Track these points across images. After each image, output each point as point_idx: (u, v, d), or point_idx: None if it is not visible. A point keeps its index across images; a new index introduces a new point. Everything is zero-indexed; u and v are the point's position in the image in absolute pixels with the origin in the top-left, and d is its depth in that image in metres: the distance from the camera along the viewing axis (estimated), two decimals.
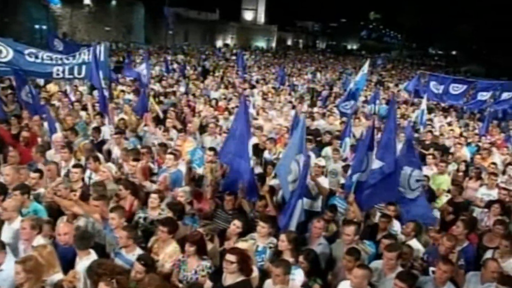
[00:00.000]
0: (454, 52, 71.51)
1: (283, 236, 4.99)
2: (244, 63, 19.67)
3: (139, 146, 7.70)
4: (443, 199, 8.23)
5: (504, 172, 9.74)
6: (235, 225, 5.34)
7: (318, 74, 24.40)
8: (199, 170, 7.10)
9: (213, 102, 12.88)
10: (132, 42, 38.37)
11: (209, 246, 5.14)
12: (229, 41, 58.36)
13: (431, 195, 8.04)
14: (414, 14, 58.74)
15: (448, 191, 8.72)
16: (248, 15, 64.86)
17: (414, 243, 5.75)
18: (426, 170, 9.11)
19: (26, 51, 9.88)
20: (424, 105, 13.45)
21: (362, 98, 15.21)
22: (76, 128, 8.29)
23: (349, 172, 6.37)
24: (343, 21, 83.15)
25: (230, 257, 4.23)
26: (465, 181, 8.87)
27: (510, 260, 5.48)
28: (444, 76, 16.76)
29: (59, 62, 10.83)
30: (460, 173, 9.23)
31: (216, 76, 18.82)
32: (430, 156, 9.33)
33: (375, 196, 5.99)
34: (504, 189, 8.45)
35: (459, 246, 5.83)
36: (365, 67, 13.74)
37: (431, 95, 15.15)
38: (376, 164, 5.92)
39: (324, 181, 7.54)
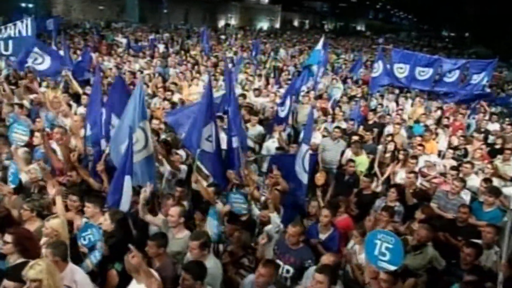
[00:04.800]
0: (466, 34, 68.97)
1: (106, 215, 4.62)
2: (208, 40, 19.15)
3: None
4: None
5: (443, 156, 9.17)
6: (71, 200, 5.00)
7: (282, 51, 23.55)
8: None
9: (158, 80, 12.49)
10: (125, 21, 37.90)
11: (36, 224, 4.79)
12: (231, 21, 57.30)
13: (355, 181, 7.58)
14: None
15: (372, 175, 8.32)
16: None
17: None
18: (348, 152, 8.67)
19: None
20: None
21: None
22: None
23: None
24: (353, 1, 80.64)
25: (6, 237, 3.87)
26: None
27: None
28: (407, 52, 15.69)
29: None
30: (388, 154, 8.64)
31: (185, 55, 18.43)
32: (356, 137, 8.79)
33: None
34: (423, 175, 7.93)
35: (322, 234, 5.41)
36: (320, 44, 13.07)
37: (395, 81, 14.25)
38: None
39: None
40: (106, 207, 4.97)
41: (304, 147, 6.14)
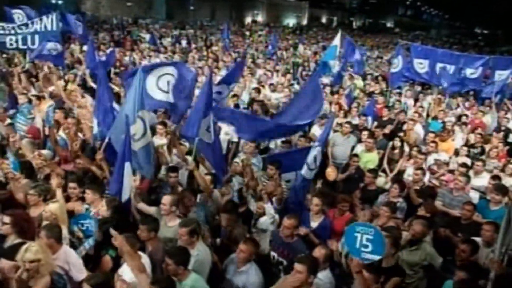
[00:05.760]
0: (499, 32, 66.55)
1: (103, 202, 4.80)
2: (229, 36, 19.31)
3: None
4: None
5: (457, 153, 8.98)
6: (71, 188, 5.18)
7: (301, 47, 23.46)
8: None
9: None
10: (151, 17, 38.57)
11: (42, 208, 4.98)
12: (258, 18, 57.36)
13: (360, 176, 7.52)
14: None
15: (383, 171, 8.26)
16: None
17: None
18: (359, 147, 8.61)
19: None
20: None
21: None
22: None
23: None
24: None
25: (5, 218, 4.09)
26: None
27: None
28: (426, 47, 15.34)
29: (12, 31, 10.96)
30: (396, 151, 8.52)
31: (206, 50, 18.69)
32: (366, 133, 8.69)
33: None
34: (432, 173, 7.80)
35: (314, 222, 5.43)
36: (337, 39, 12.98)
37: (416, 76, 13.97)
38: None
39: None
40: (107, 194, 5.14)
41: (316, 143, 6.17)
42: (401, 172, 8.08)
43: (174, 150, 6.55)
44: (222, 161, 5.99)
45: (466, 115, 11.47)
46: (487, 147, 9.30)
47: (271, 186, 5.60)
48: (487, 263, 4.95)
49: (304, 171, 5.91)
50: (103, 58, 12.95)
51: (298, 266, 3.80)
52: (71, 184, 5.13)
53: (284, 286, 3.91)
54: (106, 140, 5.64)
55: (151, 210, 5.00)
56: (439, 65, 13.83)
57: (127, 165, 4.95)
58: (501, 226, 4.27)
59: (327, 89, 12.09)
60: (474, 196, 7.01)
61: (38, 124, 7.46)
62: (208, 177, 5.60)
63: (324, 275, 4.29)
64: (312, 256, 4.11)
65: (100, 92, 6.42)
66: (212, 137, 5.71)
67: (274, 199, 5.54)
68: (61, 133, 6.84)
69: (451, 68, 13.77)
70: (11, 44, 10.94)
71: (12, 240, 4.12)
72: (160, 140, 7.25)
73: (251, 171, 5.78)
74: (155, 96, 6.45)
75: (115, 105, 6.57)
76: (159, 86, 6.49)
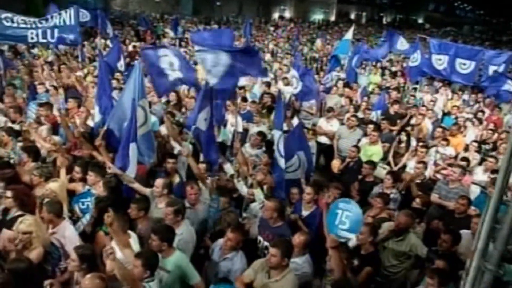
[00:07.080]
0: None
1: (101, 183, 5.10)
2: (250, 31, 19.45)
3: None
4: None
5: (466, 149, 8.90)
6: (75, 171, 5.52)
7: (318, 41, 23.29)
8: None
9: None
10: (179, 13, 39.14)
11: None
12: (285, 14, 57.16)
13: (359, 167, 7.60)
14: None
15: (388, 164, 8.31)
16: None
17: None
18: (364, 140, 8.67)
19: (2, 15, 10.42)
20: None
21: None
22: None
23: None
24: None
25: (7, 192, 4.47)
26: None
27: None
28: (446, 42, 14.96)
29: (33, 26, 11.44)
30: (402, 145, 8.52)
31: None
32: (371, 126, 8.71)
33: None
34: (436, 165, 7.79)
35: (305, 211, 5.56)
36: (349, 34, 12.93)
37: (434, 72, 13.73)
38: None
39: None
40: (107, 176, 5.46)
41: (277, 133, 6.05)
42: (405, 166, 8.13)
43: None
44: (214, 149, 6.21)
45: (483, 112, 11.28)
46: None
47: (260, 174, 5.78)
48: None
49: (279, 161, 5.94)
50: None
51: (272, 250, 4.00)
52: (76, 168, 5.45)
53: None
54: (105, 127, 5.93)
55: (147, 191, 5.28)
56: (459, 61, 13.57)
57: (132, 145, 5.26)
58: (482, 216, 4.28)
59: (340, 83, 12.12)
60: (475, 191, 6.99)
61: (54, 112, 7.87)
62: (203, 165, 5.83)
63: (302, 260, 4.46)
64: (286, 241, 4.27)
65: (101, 81, 6.73)
66: (206, 125, 5.96)
67: (265, 187, 5.71)
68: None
69: (471, 64, 13.50)
70: (32, 38, 11.42)
71: (14, 212, 4.50)
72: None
73: (243, 157, 5.98)
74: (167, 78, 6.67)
75: (114, 94, 6.87)
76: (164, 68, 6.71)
